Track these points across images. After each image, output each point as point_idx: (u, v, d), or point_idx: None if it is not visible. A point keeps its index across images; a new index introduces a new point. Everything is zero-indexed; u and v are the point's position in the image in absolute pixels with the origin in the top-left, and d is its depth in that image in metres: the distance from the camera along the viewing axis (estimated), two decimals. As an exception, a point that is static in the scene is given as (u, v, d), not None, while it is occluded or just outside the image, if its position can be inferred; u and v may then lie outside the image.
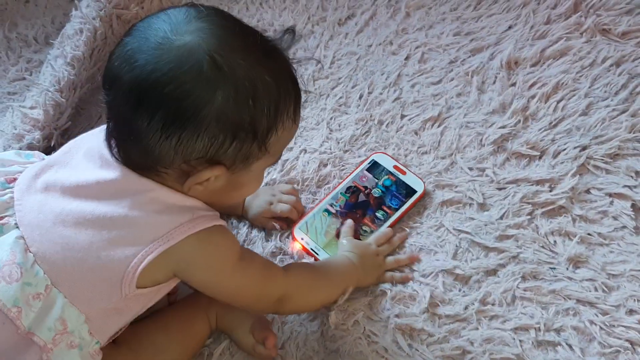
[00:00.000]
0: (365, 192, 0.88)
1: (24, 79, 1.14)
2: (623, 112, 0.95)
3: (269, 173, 0.94)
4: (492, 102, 1.00)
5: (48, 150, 0.97)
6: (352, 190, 0.89)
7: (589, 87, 0.99)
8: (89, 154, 0.67)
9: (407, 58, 1.09)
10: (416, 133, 0.98)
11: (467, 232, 0.85)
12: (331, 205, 0.88)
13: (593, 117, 0.95)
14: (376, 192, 0.88)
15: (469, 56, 1.07)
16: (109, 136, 0.65)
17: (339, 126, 1.01)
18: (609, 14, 1.07)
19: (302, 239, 0.85)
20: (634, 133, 0.92)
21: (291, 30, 0.68)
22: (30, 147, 0.93)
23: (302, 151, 0.98)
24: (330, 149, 0.97)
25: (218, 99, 0.59)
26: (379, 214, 0.87)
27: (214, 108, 0.59)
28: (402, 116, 1.01)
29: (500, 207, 0.87)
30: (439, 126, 0.98)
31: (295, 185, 0.92)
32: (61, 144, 0.96)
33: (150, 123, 0.59)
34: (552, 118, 0.96)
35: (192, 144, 0.61)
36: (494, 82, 1.03)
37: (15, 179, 0.68)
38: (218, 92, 0.59)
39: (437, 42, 1.10)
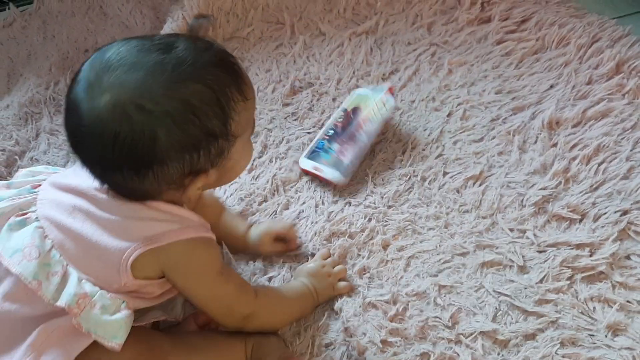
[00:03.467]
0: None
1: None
2: (661, 175, 0.97)
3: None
4: (533, 162, 1.02)
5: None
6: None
7: (631, 150, 1.01)
8: None
9: (449, 115, 1.12)
10: (458, 191, 1.01)
11: (507, 295, 0.87)
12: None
13: (634, 181, 0.97)
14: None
15: (511, 114, 1.10)
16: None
17: (383, 181, 1.04)
18: (651, 76, 1.09)
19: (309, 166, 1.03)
20: (675, 199, 0.94)
21: (201, 16, 0.74)
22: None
23: (346, 204, 1.01)
24: (375, 204, 1.01)
25: (162, 135, 0.65)
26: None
27: (163, 144, 0.65)
28: (445, 173, 1.04)
29: (540, 270, 0.89)
30: (480, 185, 1.01)
31: (343, 238, 0.97)
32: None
33: (124, 177, 0.67)
34: (593, 181, 0.98)
35: (166, 173, 0.68)
36: (535, 142, 1.05)
37: (39, 185, 0.77)
38: (158, 130, 0.65)
39: (479, 100, 1.13)
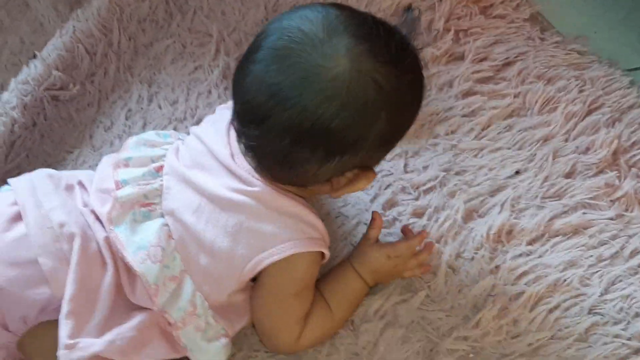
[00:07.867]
0: None
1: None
2: (636, 352, 0.67)
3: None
4: (461, 292, 0.74)
5: None
6: None
7: (599, 296, 0.71)
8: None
9: (374, 198, 0.84)
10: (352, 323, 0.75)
11: None
12: None
13: (593, 351, 0.67)
14: None
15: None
16: (252, 159, 0.66)
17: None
18: (658, 178, 0.77)
19: None
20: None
21: (409, 9, 0.67)
22: None
23: None
24: None
25: (382, 120, 0.59)
26: None
27: (378, 130, 0.60)
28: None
29: None
30: (381, 318, 0.74)
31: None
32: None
33: (311, 155, 0.60)
34: (533, 339, 0.69)
35: (351, 161, 0.61)
36: (472, 259, 0.76)
37: (161, 167, 0.72)
38: (382, 113, 0.59)
39: (413, 179, 0.83)
